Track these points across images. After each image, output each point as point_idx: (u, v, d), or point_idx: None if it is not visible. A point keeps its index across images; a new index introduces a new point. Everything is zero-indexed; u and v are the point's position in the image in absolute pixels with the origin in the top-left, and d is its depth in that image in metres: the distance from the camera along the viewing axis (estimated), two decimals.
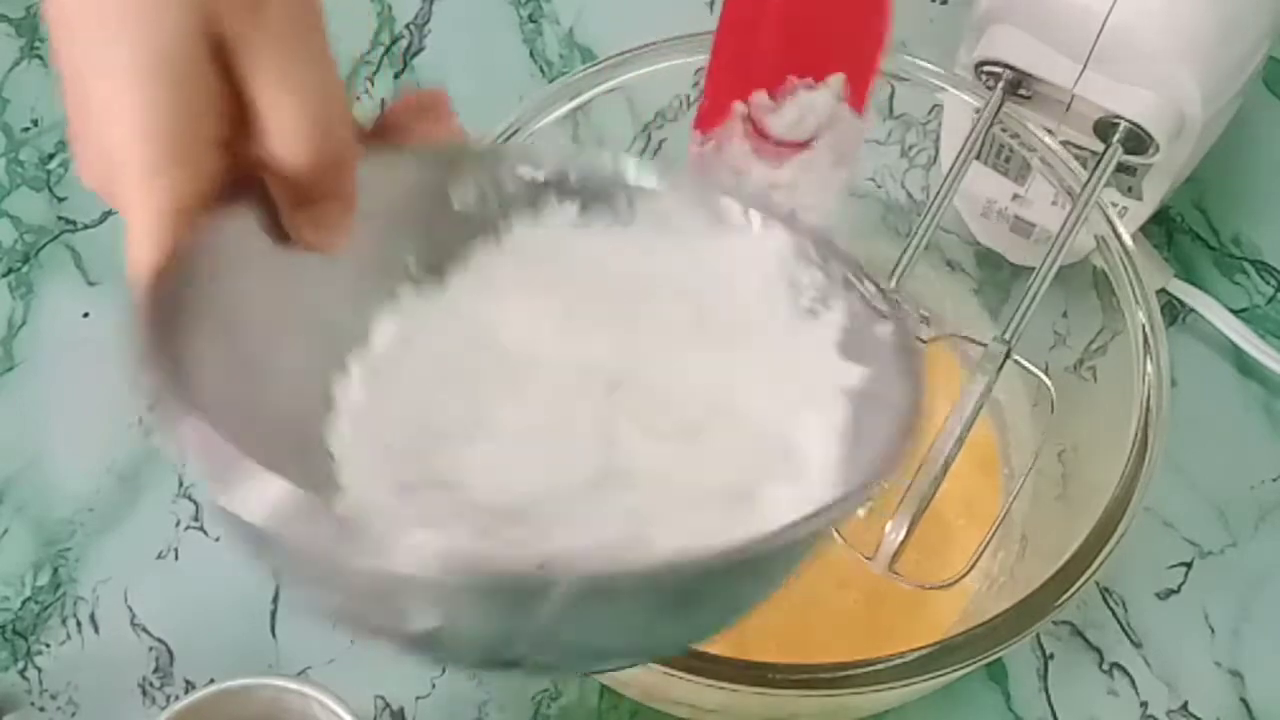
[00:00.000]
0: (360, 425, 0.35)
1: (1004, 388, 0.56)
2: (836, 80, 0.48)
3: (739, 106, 0.49)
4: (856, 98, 0.49)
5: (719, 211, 0.38)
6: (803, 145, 0.49)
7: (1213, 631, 0.54)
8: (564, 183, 0.38)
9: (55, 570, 0.56)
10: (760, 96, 0.49)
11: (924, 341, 0.50)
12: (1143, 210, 0.57)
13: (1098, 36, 0.50)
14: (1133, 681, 0.53)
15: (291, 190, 0.33)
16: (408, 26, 0.70)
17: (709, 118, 0.50)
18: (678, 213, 0.38)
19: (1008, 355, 0.49)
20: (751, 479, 0.35)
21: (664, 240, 0.38)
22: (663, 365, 0.37)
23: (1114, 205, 0.52)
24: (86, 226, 0.64)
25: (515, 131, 0.53)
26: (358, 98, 0.67)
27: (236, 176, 0.33)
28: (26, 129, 0.66)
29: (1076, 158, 0.52)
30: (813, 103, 0.48)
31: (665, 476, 0.35)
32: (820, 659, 0.43)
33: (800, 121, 0.49)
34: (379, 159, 0.35)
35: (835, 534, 0.53)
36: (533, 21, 0.71)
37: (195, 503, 0.57)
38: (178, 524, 0.56)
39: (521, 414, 0.36)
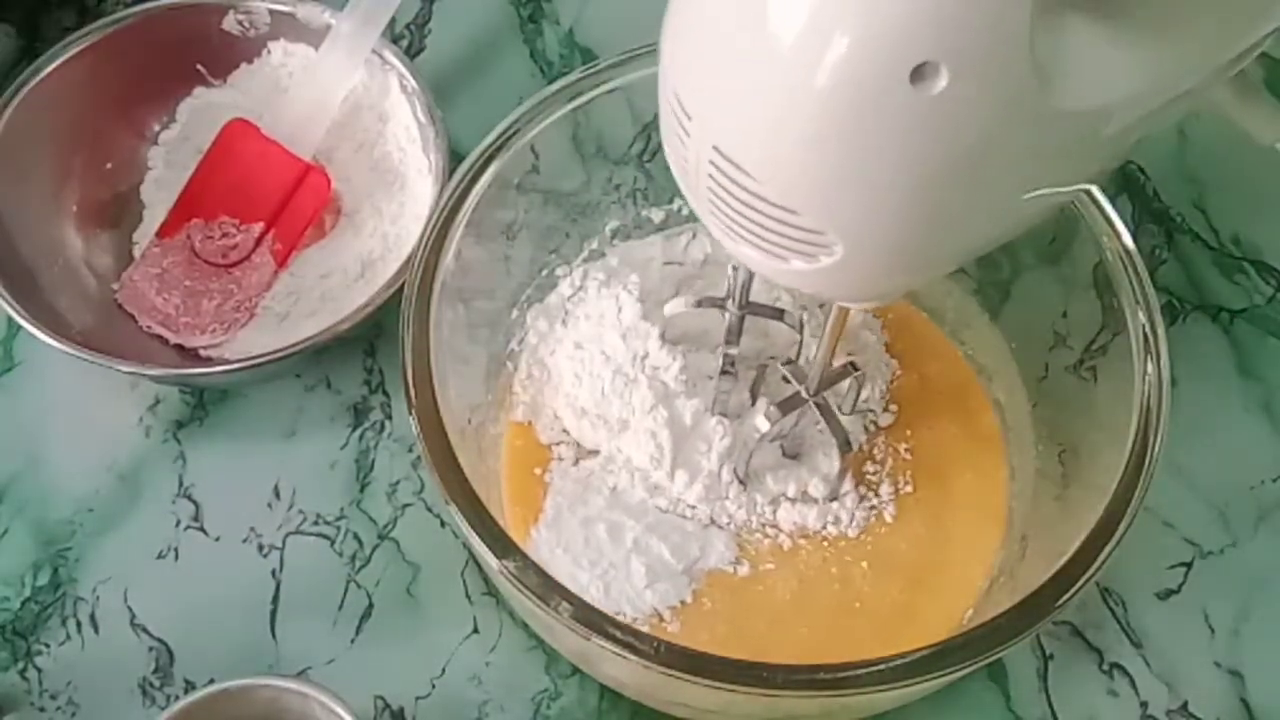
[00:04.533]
0: None
1: (1004, 387, 0.56)
2: (256, 227, 0.61)
3: (189, 226, 0.62)
4: (280, 251, 0.62)
5: None
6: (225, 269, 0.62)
7: (1213, 631, 0.54)
8: None
9: (55, 570, 0.56)
10: (198, 223, 0.62)
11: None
12: None
13: None
14: (1133, 681, 0.53)
15: None
16: (408, 27, 0.70)
17: (167, 228, 0.62)
18: None
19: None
20: None
21: None
22: None
23: None
24: None
25: (515, 132, 0.53)
26: None
27: None
28: None
29: None
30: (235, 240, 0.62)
31: None
32: (822, 659, 0.43)
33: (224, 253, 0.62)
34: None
35: (832, 526, 0.53)
36: (533, 21, 0.71)
37: (195, 503, 0.57)
38: (178, 524, 0.56)
39: None
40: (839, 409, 0.55)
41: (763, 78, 0.33)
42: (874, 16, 0.31)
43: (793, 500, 0.53)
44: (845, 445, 0.51)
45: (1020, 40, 0.31)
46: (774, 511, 0.53)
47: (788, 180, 0.35)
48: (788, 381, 0.51)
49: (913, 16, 0.31)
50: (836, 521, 0.53)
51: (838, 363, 0.54)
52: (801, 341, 0.54)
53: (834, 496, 0.53)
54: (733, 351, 0.53)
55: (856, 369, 0.52)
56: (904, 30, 0.31)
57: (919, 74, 0.31)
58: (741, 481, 0.53)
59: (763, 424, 0.50)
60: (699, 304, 0.54)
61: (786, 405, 0.51)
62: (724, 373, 0.54)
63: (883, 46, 0.31)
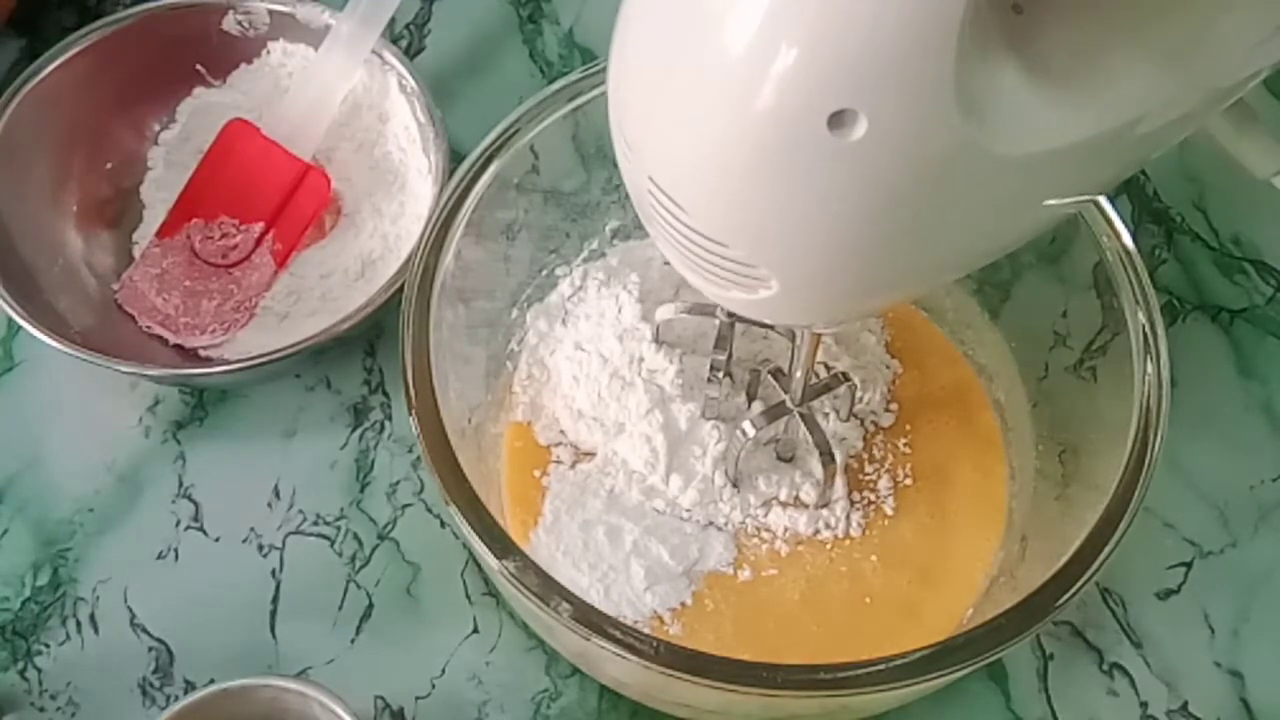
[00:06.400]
0: None
1: (1004, 387, 0.56)
2: (256, 227, 0.61)
3: (189, 226, 0.62)
4: (280, 251, 0.61)
5: None
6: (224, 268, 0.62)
7: (1213, 631, 0.54)
8: None
9: (55, 570, 0.56)
10: (198, 223, 0.62)
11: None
12: None
13: None
14: (1133, 681, 0.53)
15: None
16: (407, 27, 0.70)
17: (167, 228, 0.62)
18: None
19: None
20: None
21: None
22: None
23: None
24: None
25: (515, 132, 0.53)
26: None
27: None
28: None
29: None
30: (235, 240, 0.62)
31: None
32: (832, 658, 0.43)
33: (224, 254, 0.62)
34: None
35: (826, 531, 0.53)
36: (533, 22, 0.71)
37: (195, 503, 0.57)
38: (178, 524, 0.56)
39: None
40: (836, 413, 0.55)
41: (692, 115, 0.34)
42: (789, 63, 0.31)
43: (784, 504, 0.53)
44: (828, 457, 0.51)
45: (943, 89, 0.30)
46: (765, 514, 0.53)
47: (716, 216, 0.35)
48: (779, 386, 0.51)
49: (827, 64, 0.30)
50: (829, 526, 0.53)
51: (836, 368, 0.55)
52: (794, 349, 0.54)
53: (824, 503, 0.53)
54: (720, 358, 0.53)
55: (847, 379, 0.52)
56: (818, 78, 0.31)
57: (837, 121, 0.31)
58: (734, 484, 0.53)
59: (749, 429, 0.51)
60: (690, 310, 0.54)
61: (771, 414, 0.51)
62: (710, 379, 0.54)
63: (798, 93, 0.31)
